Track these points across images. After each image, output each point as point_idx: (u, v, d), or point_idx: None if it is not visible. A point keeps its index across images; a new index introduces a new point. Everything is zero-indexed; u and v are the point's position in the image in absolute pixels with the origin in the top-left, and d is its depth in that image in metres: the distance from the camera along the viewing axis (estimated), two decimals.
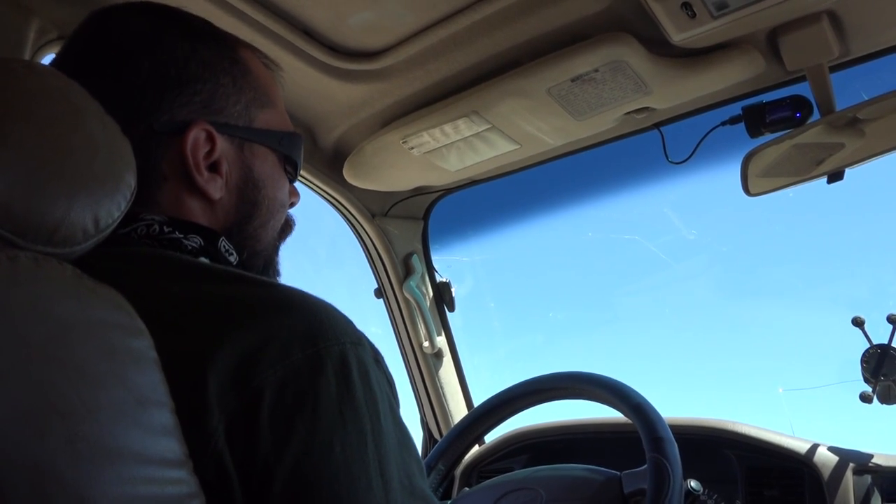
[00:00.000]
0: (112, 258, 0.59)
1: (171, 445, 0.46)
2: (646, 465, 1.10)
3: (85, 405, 0.42)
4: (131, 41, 0.69)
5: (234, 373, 0.50)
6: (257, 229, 0.76)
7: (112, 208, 0.52)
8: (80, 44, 0.72)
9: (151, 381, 0.46)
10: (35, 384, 0.40)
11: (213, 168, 0.71)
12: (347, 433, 0.52)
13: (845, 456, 1.38)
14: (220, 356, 0.50)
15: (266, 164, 0.76)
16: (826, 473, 1.35)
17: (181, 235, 0.66)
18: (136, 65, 0.68)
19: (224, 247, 0.71)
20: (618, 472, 1.17)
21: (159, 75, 0.68)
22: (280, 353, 0.52)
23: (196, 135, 0.69)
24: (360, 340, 0.57)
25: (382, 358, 0.61)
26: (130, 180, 0.55)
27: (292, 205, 0.84)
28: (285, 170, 0.80)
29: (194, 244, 0.67)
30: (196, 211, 0.70)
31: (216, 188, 0.70)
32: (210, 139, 0.70)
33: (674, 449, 1.10)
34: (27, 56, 1.00)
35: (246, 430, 0.49)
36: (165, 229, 0.66)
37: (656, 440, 1.11)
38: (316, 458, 0.50)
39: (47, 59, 1.05)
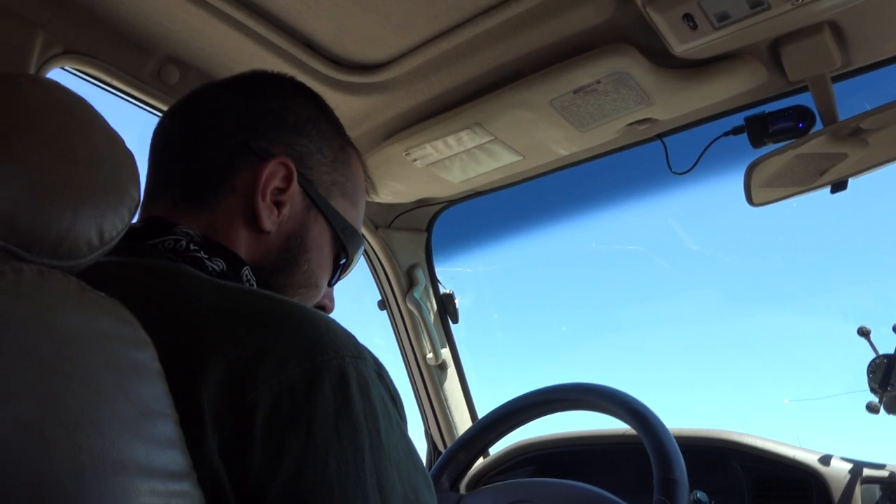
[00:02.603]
0: (129, 268, 0.60)
1: (176, 457, 0.46)
2: None
3: (89, 417, 0.41)
4: (271, 87, 0.79)
5: (228, 387, 0.49)
6: (284, 287, 0.75)
7: (116, 220, 0.53)
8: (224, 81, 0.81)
9: (155, 393, 0.46)
10: (39, 396, 0.40)
11: (277, 205, 0.73)
12: (343, 448, 0.51)
13: (853, 466, 1.37)
14: (213, 368, 0.50)
15: (321, 238, 0.78)
16: (834, 484, 1.34)
17: (205, 256, 0.67)
18: (268, 100, 0.77)
19: (246, 276, 0.70)
20: None
21: (280, 116, 0.76)
22: (276, 368, 0.51)
23: (277, 166, 0.73)
24: (360, 354, 0.56)
25: (386, 372, 0.60)
26: (135, 193, 0.55)
27: (323, 308, 0.84)
28: (335, 259, 0.81)
29: (216, 266, 0.67)
30: (241, 235, 0.71)
31: (269, 219, 0.72)
32: (287, 178, 0.73)
33: (684, 492, 1.06)
34: (33, 70, 1.01)
35: (239, 447, 0.49)
36: (192, 247, 0.66)
37: (668, 482, 1.06)
38: (309, 475, 0.49)
39: (53, 73, 1.06)
